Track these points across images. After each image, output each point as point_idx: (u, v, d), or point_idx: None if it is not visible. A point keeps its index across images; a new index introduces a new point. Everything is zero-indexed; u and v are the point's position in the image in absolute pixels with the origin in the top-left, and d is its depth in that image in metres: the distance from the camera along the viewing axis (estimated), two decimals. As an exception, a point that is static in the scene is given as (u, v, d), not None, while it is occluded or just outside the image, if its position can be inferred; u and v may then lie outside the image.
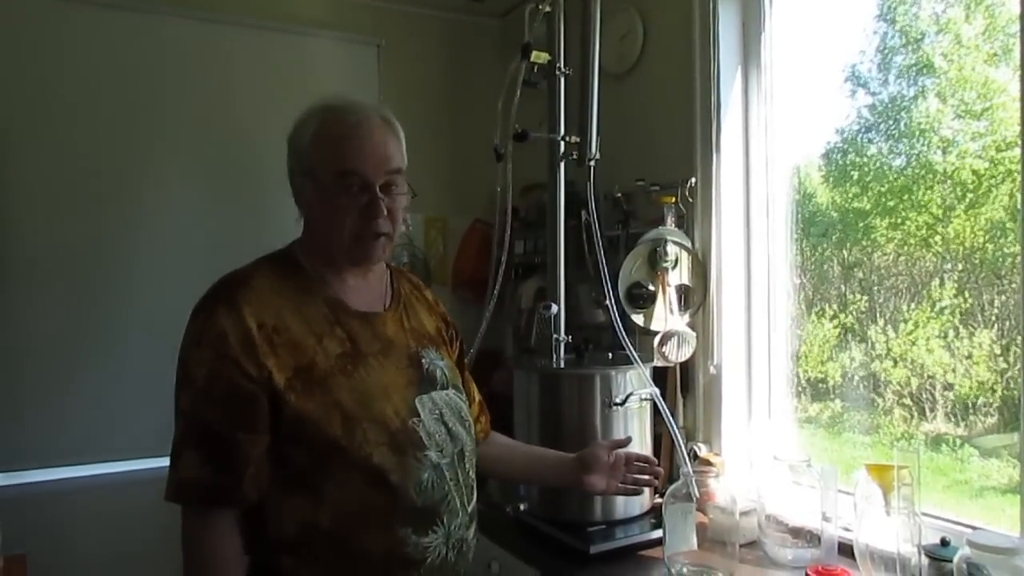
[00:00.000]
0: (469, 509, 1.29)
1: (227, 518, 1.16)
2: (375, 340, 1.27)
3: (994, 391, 1.58)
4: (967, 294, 1.63)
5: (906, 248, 1.74)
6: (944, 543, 1.32)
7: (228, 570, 1.15)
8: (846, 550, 1.53)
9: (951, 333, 1.65)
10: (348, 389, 1.18)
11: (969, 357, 1.61)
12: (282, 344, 1.17)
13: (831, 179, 1.93)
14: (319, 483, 1.15)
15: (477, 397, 1.56)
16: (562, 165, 1.94)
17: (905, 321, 1.73)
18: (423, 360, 1.31)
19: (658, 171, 2.10)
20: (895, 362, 1.75)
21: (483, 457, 1.50)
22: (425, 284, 1.53)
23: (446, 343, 1.43)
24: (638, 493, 1.62)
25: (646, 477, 1.57)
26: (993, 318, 1.58)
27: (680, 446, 1.70)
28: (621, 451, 1.56)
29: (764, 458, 1.91)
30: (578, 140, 1.90)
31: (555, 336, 1.91)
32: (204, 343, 1.15)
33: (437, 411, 1.27)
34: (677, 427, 1.79)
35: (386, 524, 1.17)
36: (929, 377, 1.68)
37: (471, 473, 1.31)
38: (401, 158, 1.27)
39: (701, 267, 2.00)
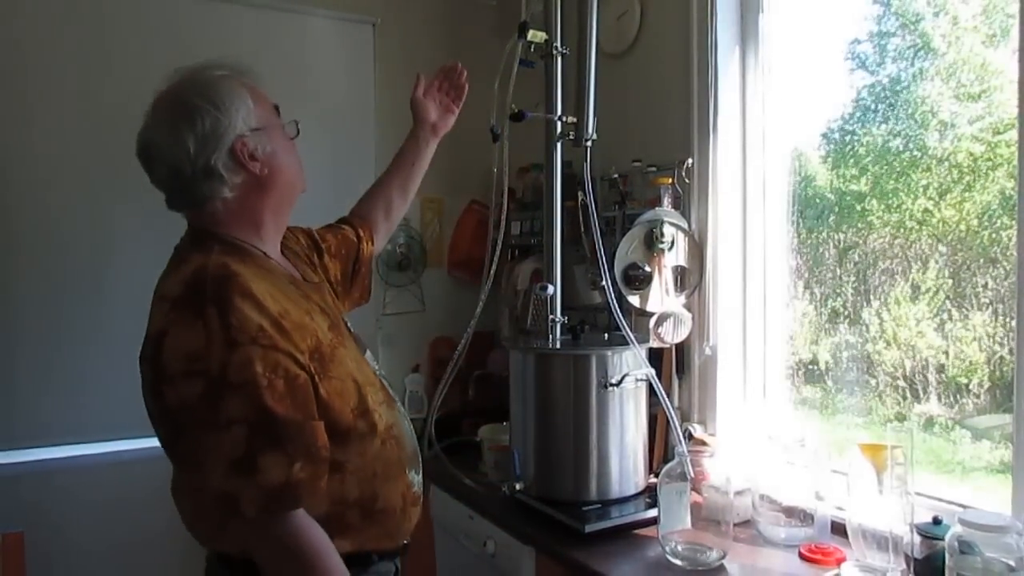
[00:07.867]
0: None
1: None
2: (331, 307, 1.30)
3: (985, 373, 1.59)
4: (961, 276, 1.63)
5: (902, 231, 1.74)
6: (936, 522, 1.33)
7: (334, 552, 1.10)
8: (839, 529, 1.55)
9: (944, 315, 1.65)
10: (350, 359, 1.21)
11: (961, 340, 1.62)
12: (292, 328, 1.10)
13: (829, 160, 1.92)
14: (341, 459, 1.14)
15: (336, 231, 1.57)
16: (559, 146, 1.93)
17: (899, 303, 1.74)
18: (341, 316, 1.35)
19: (655, 152, 2.10)
20: (888, 344, 1.76)
21: (375, 208, 1.66)
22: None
23: (320, 269, 1.44)
24: (455, 101, 1.76)
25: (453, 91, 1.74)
26: (987, 301, 1.59)
27: (675, 426, 1.71)
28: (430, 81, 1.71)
29: (758, 438, 1.92)
30: (575, 120, 1.89)
31: (551, 317, 1.91)
32: (241, 342, 1.03)
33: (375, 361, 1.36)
34: (672, 408, 1.80)
35: (399, 475, 1.24)
36: (922, 359, 1.69)
37: None
38: None
39: (697, 248, 2.00)
